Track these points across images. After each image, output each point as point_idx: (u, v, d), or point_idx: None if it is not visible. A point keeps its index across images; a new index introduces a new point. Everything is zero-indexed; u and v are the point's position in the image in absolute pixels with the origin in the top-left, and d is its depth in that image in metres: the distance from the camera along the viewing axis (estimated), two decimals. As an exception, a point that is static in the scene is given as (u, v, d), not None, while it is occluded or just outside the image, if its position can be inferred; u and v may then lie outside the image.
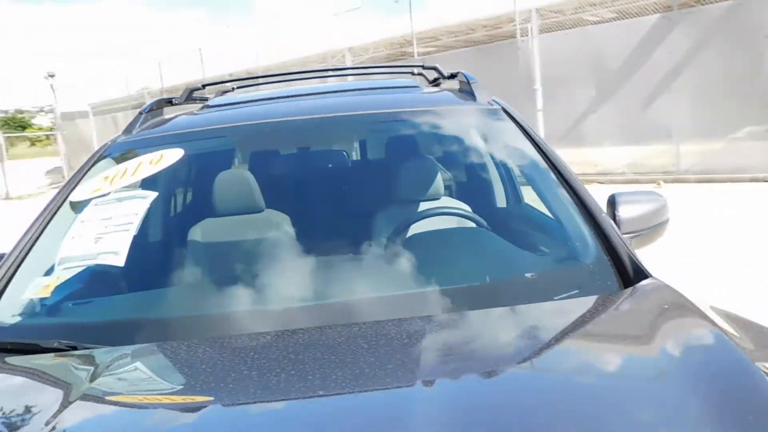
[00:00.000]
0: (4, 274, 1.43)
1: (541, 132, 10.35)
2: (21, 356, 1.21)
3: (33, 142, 45.79)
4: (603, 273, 1.31)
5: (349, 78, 4.70)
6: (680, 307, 1.17)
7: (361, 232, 1.66)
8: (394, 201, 1.78)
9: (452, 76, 2.16)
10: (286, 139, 1.99)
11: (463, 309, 1.24)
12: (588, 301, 1.25)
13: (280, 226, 1.67)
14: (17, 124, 52.32)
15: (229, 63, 19.85)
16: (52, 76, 20.61)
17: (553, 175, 1.57)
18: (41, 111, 32.54)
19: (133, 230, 1.44)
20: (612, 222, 1.46)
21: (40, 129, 42.07)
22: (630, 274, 1.30)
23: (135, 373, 1.14)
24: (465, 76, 2.03)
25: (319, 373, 0.98)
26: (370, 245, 1.57)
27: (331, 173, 2.09)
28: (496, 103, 1.89)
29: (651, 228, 1.63)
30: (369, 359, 1.03)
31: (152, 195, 1.55)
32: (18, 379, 1.17)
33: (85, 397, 1.00)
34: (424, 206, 1.71)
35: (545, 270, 1.45)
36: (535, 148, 1.66)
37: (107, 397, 1.04)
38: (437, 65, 2.29)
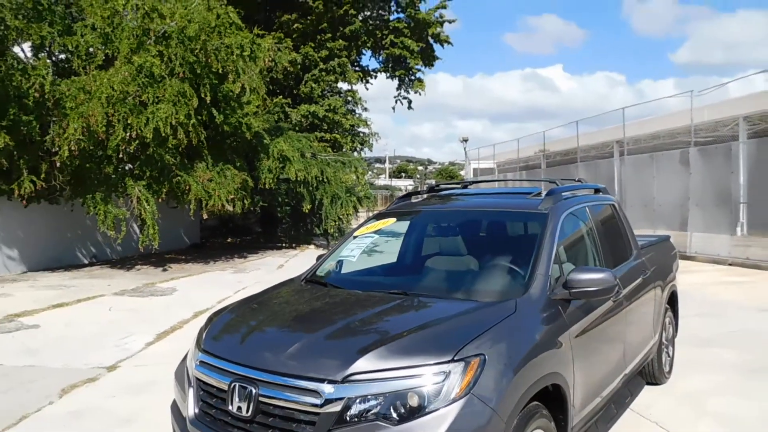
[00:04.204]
0: (323, 260, 3.98)
1: None
2: (315, 285, 3.69)
3: (455, 190, 56.38)
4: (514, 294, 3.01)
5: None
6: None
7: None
8: (473, 250, 3.70)
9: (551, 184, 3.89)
10: (452, 218, 4.08)
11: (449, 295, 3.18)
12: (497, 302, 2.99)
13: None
14: (448, 174, 65.09)
15: (598, 134, 21.27)
16: (465, 140, 26.23)
17: (533, 256, 3.21)
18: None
19: (361, 250, 3.81)
20: (546, 280, 3.04)
21: (462, 179, 51.52)
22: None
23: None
24: (553, 189, 3.73)
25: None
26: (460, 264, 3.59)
27: (470, 235, 4.01)
28: (550, 210, 3.51)
29: (589, 291, 3.05)
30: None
31: (373, 236, 3.88)
32: (310, 288, 3.64)
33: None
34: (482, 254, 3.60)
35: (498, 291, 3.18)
36: (538, 241, 3.28)
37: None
38: (556, 180, 3.98)
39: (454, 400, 2.29)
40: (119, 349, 6.14)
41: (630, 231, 4.61)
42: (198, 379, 2.79)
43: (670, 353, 5.16)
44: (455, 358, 2.37)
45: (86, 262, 13.17)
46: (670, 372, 5.09)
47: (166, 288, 10.04)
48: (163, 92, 11.41)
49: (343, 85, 20.84)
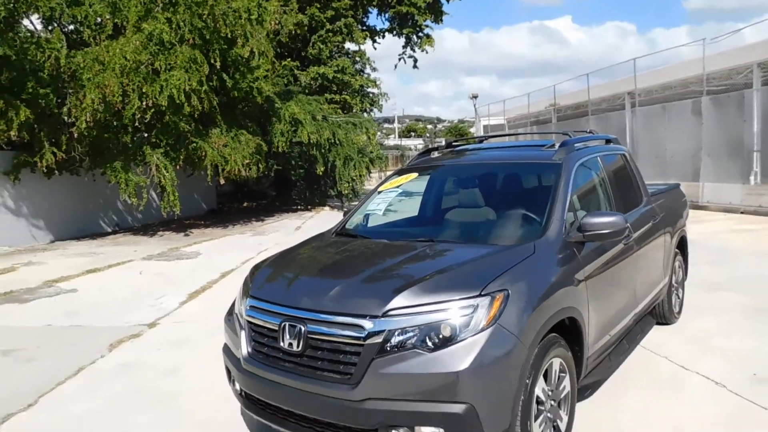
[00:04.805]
0: (351, 215, 4.28)
1: None
2: (346, 237, 4.00)
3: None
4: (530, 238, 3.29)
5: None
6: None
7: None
8: (492, 199, 3.99)
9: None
10: (472, 171, 4.36)
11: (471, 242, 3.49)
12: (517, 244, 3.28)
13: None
14: (457, 132, 64.89)
15: (609, 86, 21.14)
16: (475, 97, 26.19)
17: (549, 203, 3.48)
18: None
19: (386, 204, 4.10)
20: (561, 225, 3.33)
21: (472, 136, 51.36)
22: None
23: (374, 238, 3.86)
24: (566, 140, 3.98)
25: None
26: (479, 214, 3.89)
27: (489, 186, 4.27)
28: (564, 160, 3.76)
29: (601, 233, 3.32)
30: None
31: (396, 191, 4.17)
32: (342, 240, 3.96)
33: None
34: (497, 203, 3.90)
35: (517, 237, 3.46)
36: (554, 189, 3.55)
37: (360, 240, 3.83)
38: (568, 132, 4.22)
39: (482, 330, 2.60)
40: (155, 308, 6.54)
41: (640, 179, 4.85)
42: (249, 322, 3.12)
43: (680, 295, 5.45)
44: (482, 293, 2.68)
45: (109, 230, 13.61)
46: (679, 313, 5.40)
47: (191, 252, 10.45)
48: (175, 59, 11.56)
49: (350, 46, 20.83)
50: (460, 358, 2.53)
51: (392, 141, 65.02)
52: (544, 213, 3.45)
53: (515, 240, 3.39)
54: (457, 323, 2.61)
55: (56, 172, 11.76)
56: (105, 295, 7.27)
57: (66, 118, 11.43)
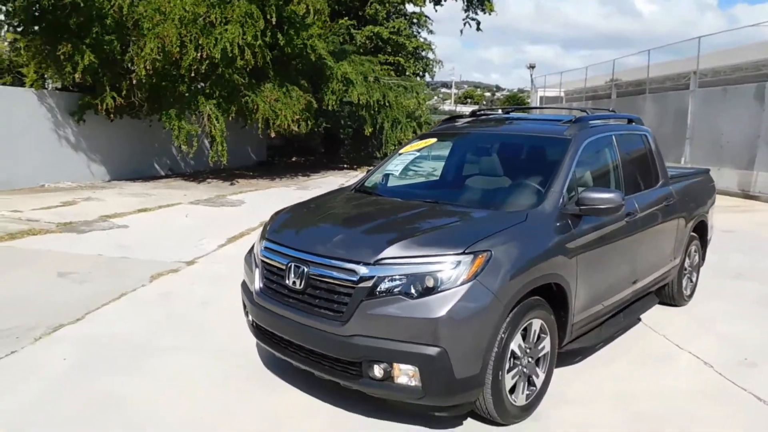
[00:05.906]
0: (371, 173, 4.60)
1: None
2: (362, 193, 4.33)
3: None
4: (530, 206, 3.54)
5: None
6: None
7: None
8: (502, 169, 4.25)
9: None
10: (486, 141, 4.59)
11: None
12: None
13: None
14: (516, 101, 63.58)
15: (675, 64, 20.32)
16: (532, 67, 25.70)
17: (551, 175, 3.69)
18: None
19: (402, 166, 4.39)
20: (559, 197, 3.55)
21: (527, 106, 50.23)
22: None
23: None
24: (581, 117, 4.15)
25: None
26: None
27: (501, 156, 4.46)
28: (573, 136, 3.94)
29: (597, 208, 3.53)
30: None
31: (414, 154, 4.45)
32: (358, 195, 4.30)
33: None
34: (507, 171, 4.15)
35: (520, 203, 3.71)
36: (558, 162, 3.75)
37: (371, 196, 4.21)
38: (587, 109, 4.36)
39: (462, 284, 2.90)
40: (196, 248, 7.09)
41: (660, 161, 4.95)
42: (263, 261, 3.52)
43: (693, 279, 5.55)
44: (466, 251, 2.97)
45: (162, 174, 14.40)
46: (691, 296, 5.51)
47: (235, 200, 11.03)
48: (231, 13, 11.95)
49: (409, 7, 20.75)
50: (438, 306, 2.85)
51: (448, 107, 64.47)
52: (546, 184, 3.67)
53: (511, 207, 3.64)
54: (440, 276, 2.92)
55: (117, 115, 12.50)
56: (152, 232, 7.90)
57: (128, 65, 12.08)
